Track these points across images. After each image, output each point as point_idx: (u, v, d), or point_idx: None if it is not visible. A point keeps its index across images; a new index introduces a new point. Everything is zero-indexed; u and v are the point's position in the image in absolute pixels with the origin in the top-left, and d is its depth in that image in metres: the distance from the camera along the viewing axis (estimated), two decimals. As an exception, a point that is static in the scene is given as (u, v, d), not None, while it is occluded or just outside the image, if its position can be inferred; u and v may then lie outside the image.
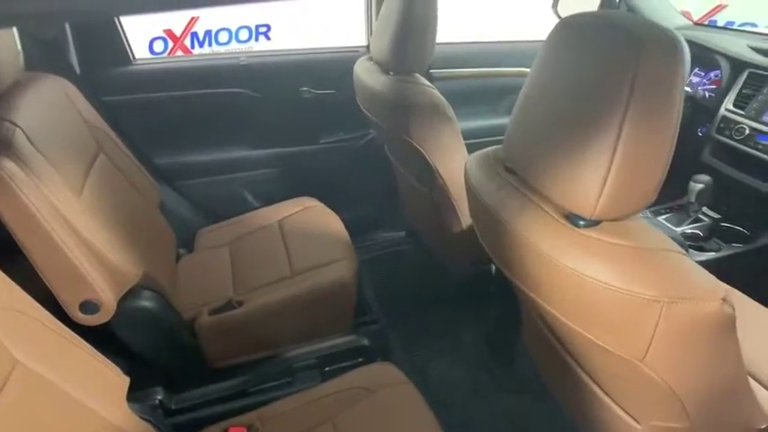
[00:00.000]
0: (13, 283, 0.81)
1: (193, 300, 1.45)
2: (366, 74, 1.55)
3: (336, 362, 1.30)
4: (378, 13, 1.80)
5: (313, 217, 1.75)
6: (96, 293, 1.13)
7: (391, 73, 1.47)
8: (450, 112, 1.41)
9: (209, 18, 3.21)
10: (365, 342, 1.33)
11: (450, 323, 1.84)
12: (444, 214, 1.54)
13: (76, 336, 0.90)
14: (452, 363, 1.71)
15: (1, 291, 0.79)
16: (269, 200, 1.88)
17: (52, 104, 1.28)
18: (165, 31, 3.10)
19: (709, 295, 0.61)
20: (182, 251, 1.70)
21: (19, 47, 1.23)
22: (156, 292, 1.31)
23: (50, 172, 1.10)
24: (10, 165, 1.00)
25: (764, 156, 1.52)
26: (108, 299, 1.14)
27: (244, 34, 3.35)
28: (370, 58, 1.60)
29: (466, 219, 1.52)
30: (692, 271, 0.64)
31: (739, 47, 1.71)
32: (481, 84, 2.15)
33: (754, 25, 2.68)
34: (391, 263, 2.10)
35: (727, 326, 0.63)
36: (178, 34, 3.17)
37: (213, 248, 1.70)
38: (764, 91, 1.58)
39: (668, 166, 0.67)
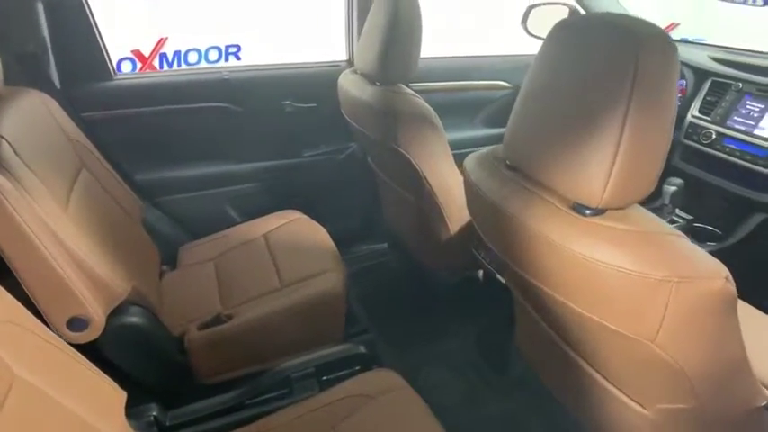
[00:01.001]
0: (9, 295, 0.78)
1: (180, 316, 1.42)
2: (352, 85, 1.57)
3: (333, 371, 1.28)
4: (359, 30, 1.84)
5: (299, 229, 1.74)
6: (85, 309, 1.09)
7: (377, 84, 1.50)
8: (437, 120, 1.44)
9: (178, 38, 3.20)
10: (362, 349, 1.32)
11: (439, 331, 1.84)
12: (431, 221, 1.56)
13: (73, 349, 0.87)
14: (444, 370, 1.71)
15: None
16: (252, 214, 1.86)
17: (34, 119, 1.26)
18: (132, 51, 3.07)
19: (714, 274, 0.65)
20: (165, 268, 1.67)
21: None
22: (144, 308, 1.28)
23: (37, 185, 1.08)
24: None
25: (731, 158, 1.61)
26: (97, 314, 1.11)
27: (213, 54, 3.34)
28: (355, 71, 1.62)
29: (453, 225, 1.55)
30: (695, 252, 0.67)
31: (701, 57, 1.81)
32: (457, 97, 2.20)
33: (703, 41, 2.85)
34: (376, 274, 2.10)
35: (731, 303, 0.66)
36: (146, 55, 3.15)
37: (197, 264, 1.67)
38: (727, 98, 1.68)
39: (666, 157, 0.71)
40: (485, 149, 0.94)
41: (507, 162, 0.87)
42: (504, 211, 0.80)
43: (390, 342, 1.71)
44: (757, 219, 1.59)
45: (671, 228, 0.71)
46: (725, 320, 0.68)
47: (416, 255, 1.82)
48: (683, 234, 0.70)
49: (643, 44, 0.66)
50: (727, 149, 1.62)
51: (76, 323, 1.09)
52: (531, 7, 2.06)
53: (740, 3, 1.39)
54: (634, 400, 0.83)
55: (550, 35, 0.77)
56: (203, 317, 1.39)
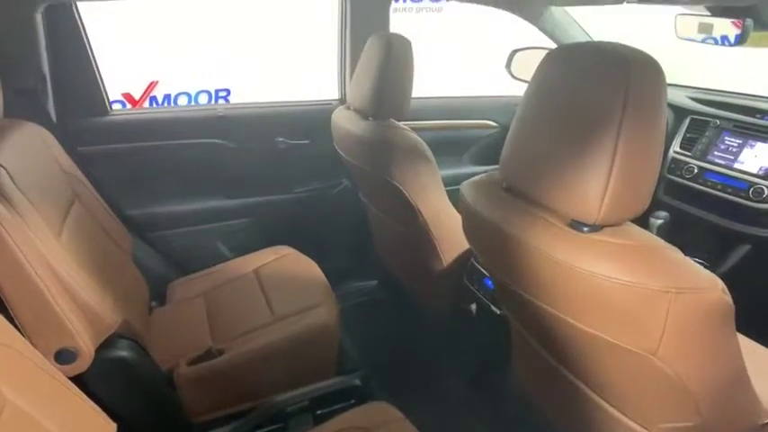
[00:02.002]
0: (3, 317, 0.77)
1: (170, 351, 1.39)
2: (345, 121, 1.60)
3: (329, 404, 1.25)
4: (351, 70, 1.90)
5: (290, 264, 1.74)
6: (74, 340, 1.06)
7: (370, 119, 1.53)
8: (429, 153, 1.47)
9: (168, 82, 3.26)
10: (357, 382, 1.30)
11: (432, 367, 1.82)
12: (424, 254, 1.57)
13: (65, 377, 0.85)
14: (438, 406, 1.67)
15: None
16: (243, 250, 1.85)
17: (31, 150, 1.27)
18: (123, 94, 3.11)
19: (711, 285, 0.66)
20: (153, 304, 1.64)
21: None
22: (133, 342, 1.25)
23: (33, 213, 1.07)
24: None
25: (714, 191, 1.66)
26: (86, 346, 1.08)
27: (203, 98, 3.39)
28: (348, 107, 1.66)
29: (446, 257, 1.56)
30: (691, 264, 0.69)
31: (680, 97, 1.90)
32: (446, 135, 2.25)
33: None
34: (367, 311, 2.08)
35: (729, 314, 0.68)
36: (137, 98, 3.19)
37: (187, 300, 1.64)
38: (706, 134, 1.75)
39: (658, 175, 0.74)
40: (481, 175, 0.97)
41: (504, 185, 0.89)
42: (502, 230, 0.82)
43: (382, 379, 1.67)
44: (743, 250, 1.63)
45: (665, 242, 0.72)
46: (724, 332, 0.69)
47: (409, 289, 1.81)
48: (677, 249, 0.72)
49: (633, 68, 0.69)
50: (710, 183, 1.68)
51: (64, 355, 1.06)
52: (514, 51, 2.16)
53: (712, 43, 1.46)
54: (637, 422, 0.83)
55: (544, 61, 0.81)
56: (193, 352, 1.36)
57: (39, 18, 1.57)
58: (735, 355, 0.72)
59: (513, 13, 2.08)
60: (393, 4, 2.05)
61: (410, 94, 1.53)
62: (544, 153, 0.78)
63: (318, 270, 1.69)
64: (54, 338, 1.04)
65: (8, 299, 0.99)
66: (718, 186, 1.65)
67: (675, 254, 0.70)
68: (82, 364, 1.09)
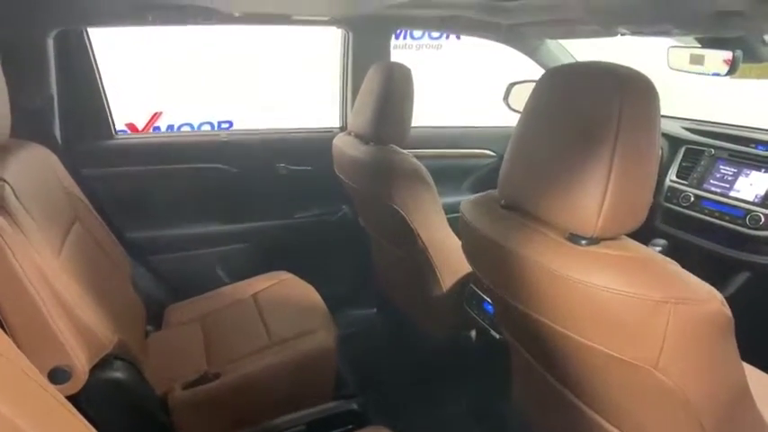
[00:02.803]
0: None
1: (165, 375, 1.36)
2: (346, 146, 1.63)
3: (325, 429, 1.23)
4: (352, 99, 1.94)
5: (288, 289, 1.73)
6: (69, 359, 1.05)
7: (371, 143, 1.55)
8: (430, 178, 1.49)
9: (172, 112, 3.32)
10: (354, 407, 1.27)
11: (431, 395, 1.79)
12: (423, 278, 1.56)
13: (59, 393, 0.83)
14: (437, 435, 1.64)
15: None
16: (242, 275, 1.84)
17: (35, 169, 1.28)
18: (126, 124, 3.16)
19: (710, 297, 0.67)
20: (149, 328, 1.62)
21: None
22: (128, 363, 1.23)
23: (34, 229, 1.08)
24: None
25: (711, 219, 1.68)
26: (81, 365, 1.06)
27: (206, 130, 3.45)
28: (349, 133, 1.69)
29: (445, 281, 1.55)
30: (689, 276, 0.69)
31: (674, 127, 1.94)
32: (445, 164, 2.28)
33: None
34: (365, 340, 2.06)
35: (729, 327, 0.68)
36: (140, 128, 3.24)
37: (184, 324, 1.63)
38: (702, 163, 1.77)
39: (654, 189, 0.75)
40: (480, 194, 0.98)
41: (503, 203, 0.90)
42: (501, 244, 0.82)
43: (380, 407, 1.64)
44: (743, 277, 1.63)
45: (661, 255, 0.73)
46: (724, 344, 0.68)
47: (408, 315, 1.80)
48: (675, 263, 0.72)
49: (625, 84, 0.72)
50: (707, 211, 1.69)
51: (59, 374, 1.05)
52: (511, 84, 2.22)
53: (704, 74, 1.51)
54: (641, 443, 0.81)
55: (541, 81, 0.83)
56: (189, 376, 1.34)
57: (51, 42, 1.61)
58: (736, 369, 0.71)
59: (511, 46, 2.14)
60: (393, 41, 2.11)
61: (410, 120, 1.55)
62: (541, 169, 0.80)
63: (317, 295, 1.68)
64: (49, 356, 1.03)
65: (4, 313, 0.98)
66: (716, 214, 1.67)
67: (674, 266, 0.71)
68: (76, 384, 1.07)
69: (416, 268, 1.57)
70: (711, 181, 1.72)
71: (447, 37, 4.30)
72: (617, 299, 0.67)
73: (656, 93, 0.74)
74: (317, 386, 1.41)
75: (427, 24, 2.17)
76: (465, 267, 1.56)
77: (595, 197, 0.71)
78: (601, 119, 0.72)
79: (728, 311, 0.67)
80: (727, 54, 1.43)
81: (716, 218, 1.66)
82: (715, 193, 1.69)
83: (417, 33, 4.25)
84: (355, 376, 1.78)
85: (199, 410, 1.29)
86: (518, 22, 1.85)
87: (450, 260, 1.53)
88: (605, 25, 1.52)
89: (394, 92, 1.50)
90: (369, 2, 1.57)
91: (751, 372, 1.19)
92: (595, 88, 0.75)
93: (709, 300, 0.66)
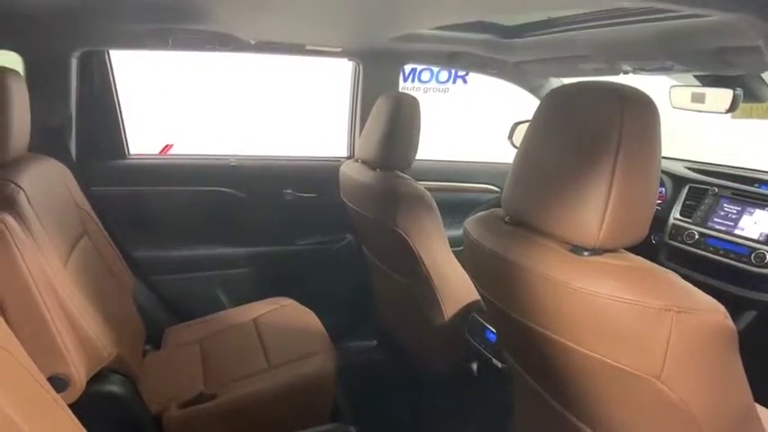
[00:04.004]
0: (4, 322, 0.76)
1: (161, 394, 1.35)
2: (353, 171, 1.65)
3: None
4: (360, 129, 1.98)
5: (288, 314, 1.73)
6: (68, 367, 1.04)
7: (378, 170, 1.58)
8: (434, 203, 1.50)
9: (183, 144, 3.39)
10: (352, 430, 1.24)
11: (432, 429, 1.74)
12: (426, 306, 1.55)
13: (58, 396, 0.82)
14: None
15: None
16: (243, 299, 1.85)
17: (49, 182, 1.32)
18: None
19: (713, 308, 0.66)
20: (148, 348, 1.61)
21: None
22: (124, 378, 1.22)
23: (44, 237, 1.10)
24: (11, 221, 0.99)
25: (716, 257, 1.67)
26: (79, 374, 1.06)
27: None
28: (356, 160, 1.72)
29: (448, 310, 1.54)
30: (692, 287, 0.70)
31: (677, 167, 1.96)
32: (448, 197, 2.30)
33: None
34: (365, 371, 2.02)
35: (733, 340, 0.67)
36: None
37: (182, 345, 1.62)
38: (705, 201, 1.78)
39: (655, 204, 0.76)
40: (484, 212, 0.99)
41: (507, 219, 0.91)
42: (504, 257, 0.83)
43: (379, 436, 1.61)
44: (749, 316, 1.61)
45: (664, 268, 0.73)
46: (728, 357, 0.68)
47: (408, 347, 1.77)
48: (677, 275, 0.72)
49: (626, 99, 0.74)
50: (711, 248, 1.69)
51: (56, 383, 1.04)
52: (516, 124, 2.27)
53: (706, 112, 1.54)
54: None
55: (544, 100, 0.85)
56: (185, 395, 1.33)
57: (74, 62, 1.67)
58: (741, 384, 0.70)
59: (516, 84, 2.20)
60: (401, 84, 2.17)
61: (417, 147, 1.58)
62: (545, 183, 0.81)
63: (317, 321, 1.67)
64: (48, 363, 1.02)
65: (8, 316, 0.98)
66: (720, 252, 1.66)
67: (675, 276, 0.71)
68: (72, 394, 1.06)
69: (419, 296, 1.56)
70: (715, 219, 1.73)
71: (454, 81, 4.43)
72: (619, 306, 0.67)
73: (657, 108, 0.76)
74: (315, 410, 1.39)
75: (435, 60, 2.24)
76: (468, 296, 1.55)
77: (597, 209, 0.72)
78: (602, 133, 0.74)
79: (732, 325, 0.67)
80: (728, 92, 1.47)
81: (721, 255, 1.66)
82: (720, 231, 1.69)
83: (425, 77, 4.37)
84: (353, 407, 1.74)
85: (194, 430, 1.26)
86: (524, 60, 1.91)
87: (453, 288, 1.52)
88: (609, 61, 1.57)
89: (401, 119, 1.53)
90: (377, 33, 1.62)
91: (763, 413, 1.16)
92: (597, 103, 0.77)
93: (712, 311, 0.66)
